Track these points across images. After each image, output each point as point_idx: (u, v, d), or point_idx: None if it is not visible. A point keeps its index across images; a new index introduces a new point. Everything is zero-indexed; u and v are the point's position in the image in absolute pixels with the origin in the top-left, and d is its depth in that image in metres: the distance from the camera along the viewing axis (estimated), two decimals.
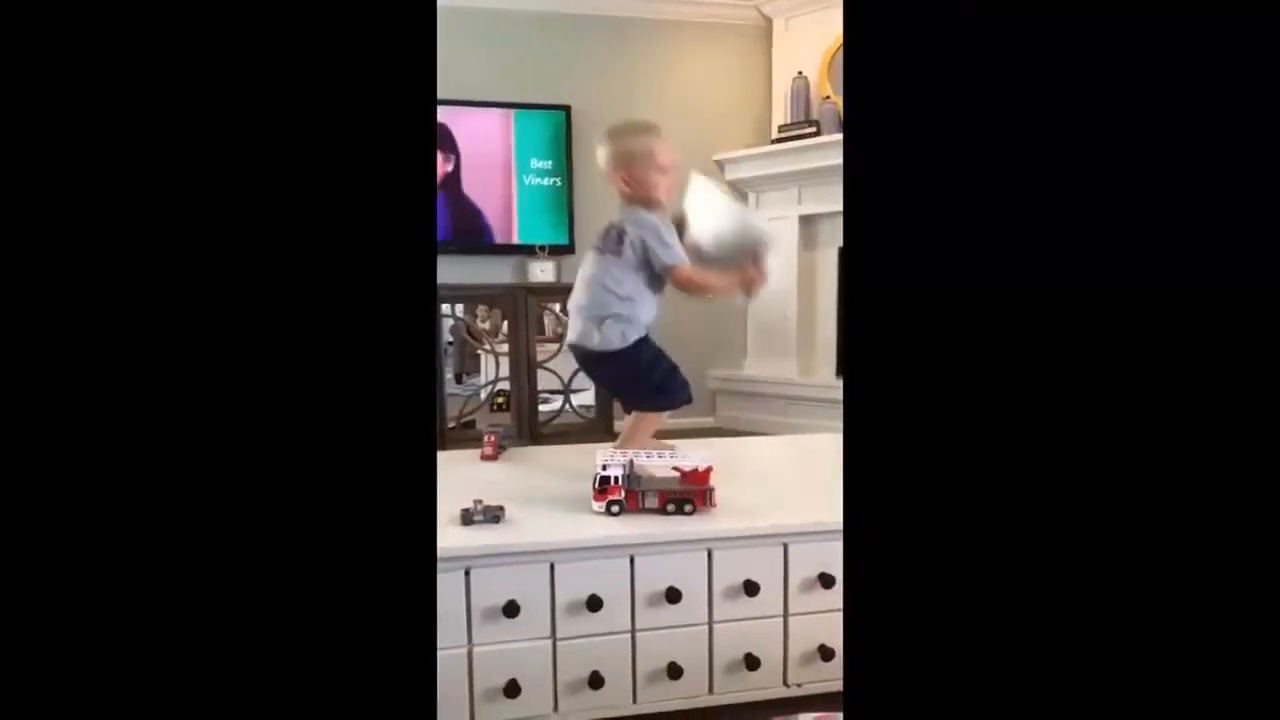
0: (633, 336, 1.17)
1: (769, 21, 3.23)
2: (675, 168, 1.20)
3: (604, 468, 0.97)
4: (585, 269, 1.22)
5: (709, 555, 0.92)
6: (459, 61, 3.03)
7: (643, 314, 1.18)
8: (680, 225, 1.22)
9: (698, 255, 1.21)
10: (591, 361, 1.21)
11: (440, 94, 3.02)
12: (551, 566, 0.89)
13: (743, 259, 1.21)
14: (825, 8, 2.96)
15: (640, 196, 1.19)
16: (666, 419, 1.28)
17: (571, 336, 1.23)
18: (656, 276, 1.17)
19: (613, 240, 1.19)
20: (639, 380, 1.20)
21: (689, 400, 1.24)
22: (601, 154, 1.20)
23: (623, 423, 1.33)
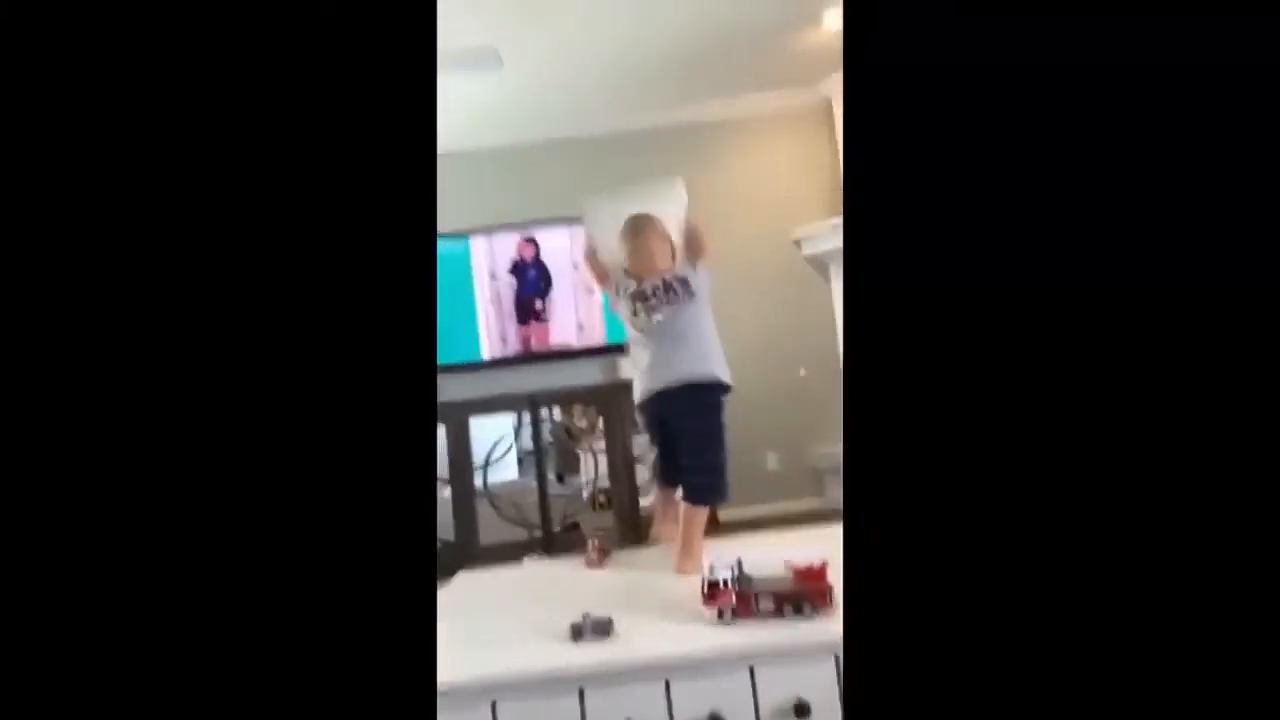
0: (726, 373, 1.24)
1: (829, 101, 3.32)
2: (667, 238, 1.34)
3: (711, 570, 0.93)
4: (661, 324, 1.29)
5: (836, 662, 0.84)
6: (542, 182, 3.30)
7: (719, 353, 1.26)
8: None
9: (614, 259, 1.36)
10: (677, 403, 1.24)
11: (528, 214, 3.29)
12: (667, 683, 0.84)
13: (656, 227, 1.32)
14: None
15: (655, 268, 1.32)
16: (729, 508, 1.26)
17: (656, 384, 1.26)
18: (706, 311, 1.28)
19: (675, 292, 1.28)
20: (714, 440, 1.21)
21: (727, 497, 1.24)
22: (690, 228, 1.38)
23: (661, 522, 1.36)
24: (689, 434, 1.24)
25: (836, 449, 3.10)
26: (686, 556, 1.18)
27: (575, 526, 2.95)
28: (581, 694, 0.84)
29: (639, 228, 1.33)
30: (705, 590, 0.92)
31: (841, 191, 3.46)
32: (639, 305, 1.31)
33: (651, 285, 1.30)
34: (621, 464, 2.89)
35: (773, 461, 3.27)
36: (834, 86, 3.23)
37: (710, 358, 1.24)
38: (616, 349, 3.25)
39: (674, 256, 1.33)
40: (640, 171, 3.41)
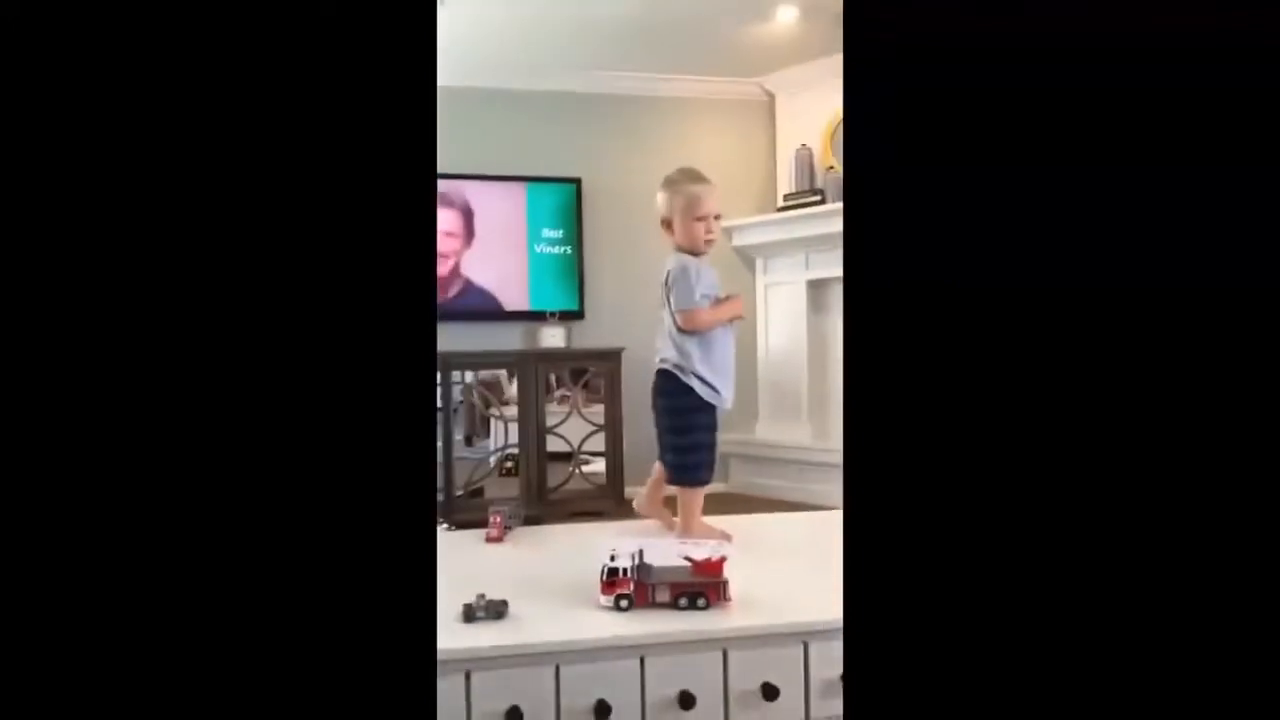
0: (690, 381, 1.22)
1: (771, 97, 3.35)
2: (716, 216, 1.27)
3: (612, 558, 0.93)
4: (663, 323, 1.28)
5: (724, 655, 0.87)
6: (475, 138, 3.14)
7: (699, 365, 1.22)
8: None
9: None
10: (657, 383, 1.26)
11: (458, 169, 3.12)
12: (557, 669, 0.84)
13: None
14: (826, 83, 3.06)
15: (683, 243, 1.26)
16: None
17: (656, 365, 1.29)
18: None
19: (665, 290, 1.26)
20: (679, 424, 1.23)
21: (701, 483, 1.24)
22: (658, 199, 1.29)
23: (641, 490, 1.34)
24: (661, 413, 1.26)
25: (742, 436, 3.20)
26: (685, 531, 1.23)
27: (479, 492, 2.90)
28: (468, 676, 0.82)
29: (669, 181, 1.28)
30: (604, 578, 0.92)
31: (777, 190, 3.50)
32: (663, 291, 1.29)
33: (667, 275, 1.27)
34: (533, 432, 2.85)
35: None
36: (779, 82, 3.26)
37: (679, 356, 1.23)
38: (539, 316, 3.19)
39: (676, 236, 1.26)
40: (578, 132, 3.32)
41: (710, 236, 1.25)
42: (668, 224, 1.26)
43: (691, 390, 1.22)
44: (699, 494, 1.25)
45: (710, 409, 1.24)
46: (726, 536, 1.20)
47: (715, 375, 1.23)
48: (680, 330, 1.23)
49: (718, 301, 1.26)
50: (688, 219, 1.23)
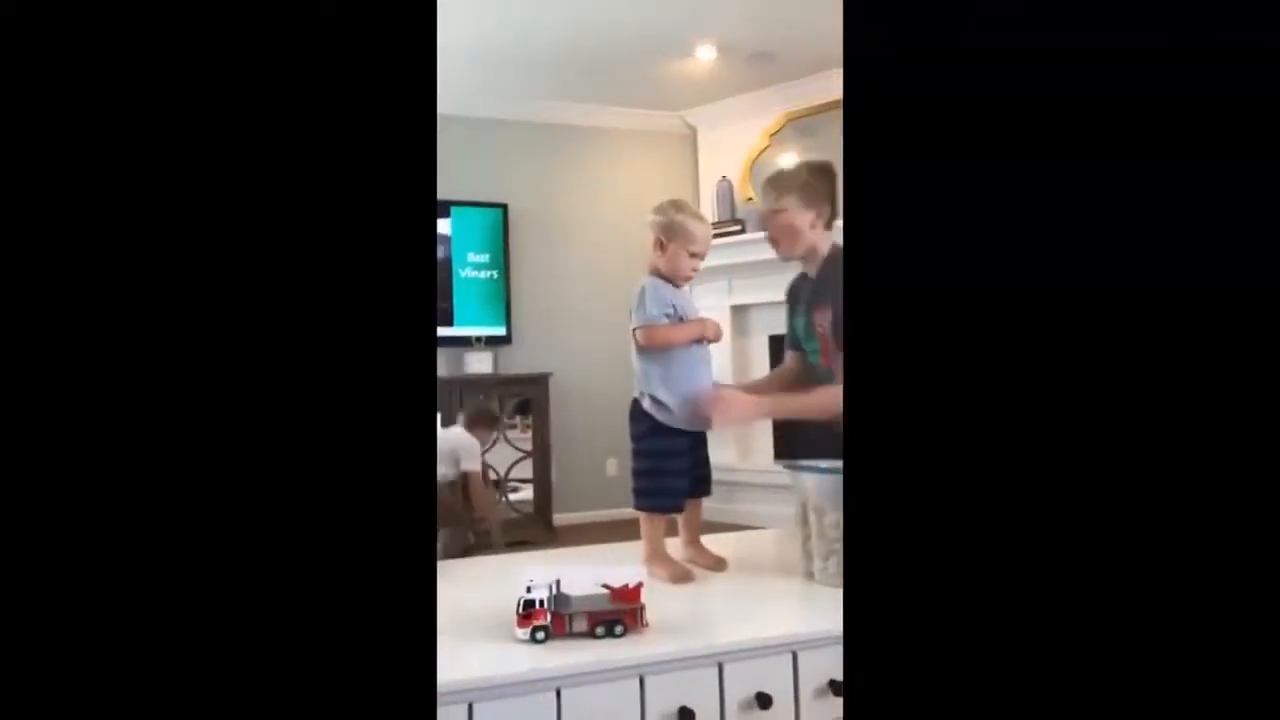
0: (645, 403, 1.21)
1: (693, 130, 3.47)
2: (702, 256, 1.24)
3: (529, 590, 0.92)
4: None
5: (640, 682, 0.87)
6: None
7: (656, 385, 1.21)
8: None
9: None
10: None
11: None
12: (470, 707, 0.82)
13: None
14: (745, 118, 3.21)
15: (666, 268, 1.24)
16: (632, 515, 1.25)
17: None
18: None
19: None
20: (636, 448, 1.22)
21: (660, 510, 1.21)
22: (655, 218, 1.25)
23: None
24: (630, 437, 1.25)
25: None
26: (644, 560, 1.18)
27: None
28: None
29: (663, 208, 1.24)
30: (520, 610, 0.91)
31: None
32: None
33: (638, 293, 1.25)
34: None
35: (612, 467, 3.34)
36: (699, 117, 3.39)
37: (639, 377, 1.22)
38: (464, 341, 3.13)
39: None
40: (505, 158, 3.32)
41: (693, 273, 1.25)
42: (660, 244, 1.22)
43: (647, 413, 1.21)
44: (656, 522, 1.20)
45: (669, 432, 1.19)
46: (688, 576, 1.16)
47: (674, 396, 1.19)
48: (639, 349, 1.22)
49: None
50: (683, 248, 1.22)
